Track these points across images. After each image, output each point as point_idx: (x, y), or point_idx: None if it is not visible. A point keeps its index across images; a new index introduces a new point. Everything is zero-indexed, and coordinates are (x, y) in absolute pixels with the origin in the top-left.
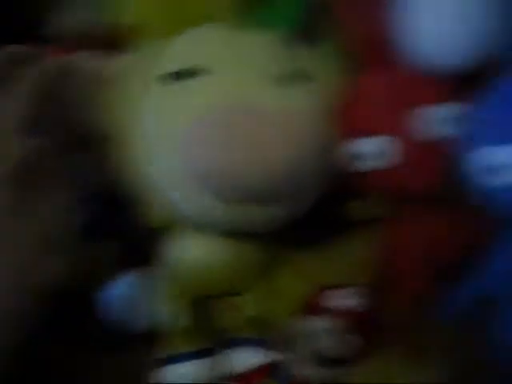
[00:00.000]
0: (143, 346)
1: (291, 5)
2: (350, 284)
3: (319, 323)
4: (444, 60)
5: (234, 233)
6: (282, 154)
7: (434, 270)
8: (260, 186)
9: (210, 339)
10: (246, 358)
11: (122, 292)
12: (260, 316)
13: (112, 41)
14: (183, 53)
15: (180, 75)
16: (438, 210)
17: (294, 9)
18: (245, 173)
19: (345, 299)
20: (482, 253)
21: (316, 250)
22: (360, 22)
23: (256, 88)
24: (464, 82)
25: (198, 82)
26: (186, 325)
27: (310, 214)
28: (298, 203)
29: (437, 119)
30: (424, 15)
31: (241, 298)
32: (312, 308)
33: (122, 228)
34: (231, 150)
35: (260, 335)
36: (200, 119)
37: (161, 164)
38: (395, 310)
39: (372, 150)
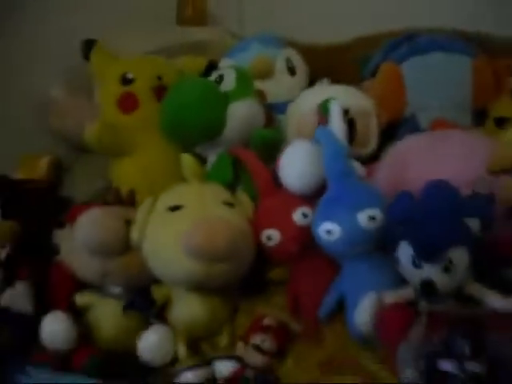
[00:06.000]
0: None
1: (225, 168)
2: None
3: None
4: (298, 187)
5: (209, 290)
6: (224, 236)
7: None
8: (215, 251)
9: (203, 358)
10: (226, 367)
11: None
12: (230, 344)
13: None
14: (173, 197)
15: (173, 208)
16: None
17: (227, 171)
18: (208, 244)
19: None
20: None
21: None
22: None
23: (213, 208)
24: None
25: (180, 213)
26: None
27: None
28: (239, 264)
29: (302, 214)
30: (287, 161)
31: (219, 336)
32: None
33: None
34: (200, 236)
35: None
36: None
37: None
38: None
39: (270, 236)
